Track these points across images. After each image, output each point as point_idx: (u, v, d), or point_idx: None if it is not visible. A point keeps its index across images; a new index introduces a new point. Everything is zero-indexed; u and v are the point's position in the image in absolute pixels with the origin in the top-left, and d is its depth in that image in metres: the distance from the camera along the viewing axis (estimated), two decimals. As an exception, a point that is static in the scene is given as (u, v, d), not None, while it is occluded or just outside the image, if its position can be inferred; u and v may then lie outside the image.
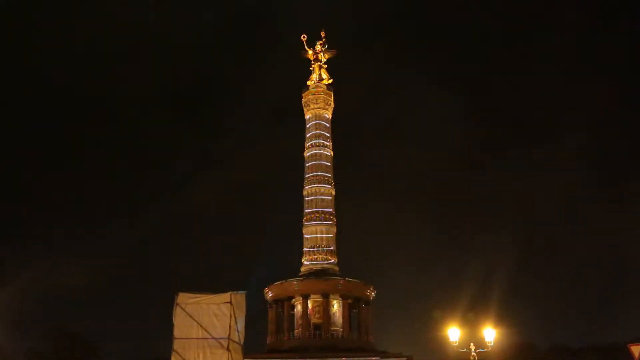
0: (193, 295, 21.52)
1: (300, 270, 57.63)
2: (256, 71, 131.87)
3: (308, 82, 64.67)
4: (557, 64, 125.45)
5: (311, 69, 65.25)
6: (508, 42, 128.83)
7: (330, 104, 63.86)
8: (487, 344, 24.75)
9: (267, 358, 53.08)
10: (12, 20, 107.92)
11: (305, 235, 58.44)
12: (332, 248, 58.15)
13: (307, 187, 59.74)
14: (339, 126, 65.44)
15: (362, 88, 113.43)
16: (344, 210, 62.40)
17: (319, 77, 64.58)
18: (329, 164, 61.19)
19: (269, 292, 56.83)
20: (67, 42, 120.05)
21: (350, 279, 55.77)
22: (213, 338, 20.69)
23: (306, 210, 59.01)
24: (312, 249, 57.58)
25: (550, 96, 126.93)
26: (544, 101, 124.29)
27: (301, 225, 59.03)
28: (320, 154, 60.95)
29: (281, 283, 56.15)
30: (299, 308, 55.50)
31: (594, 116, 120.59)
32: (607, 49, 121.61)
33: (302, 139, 62.86)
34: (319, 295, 54.48)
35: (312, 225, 58.01)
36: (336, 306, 55.37)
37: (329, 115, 63.49)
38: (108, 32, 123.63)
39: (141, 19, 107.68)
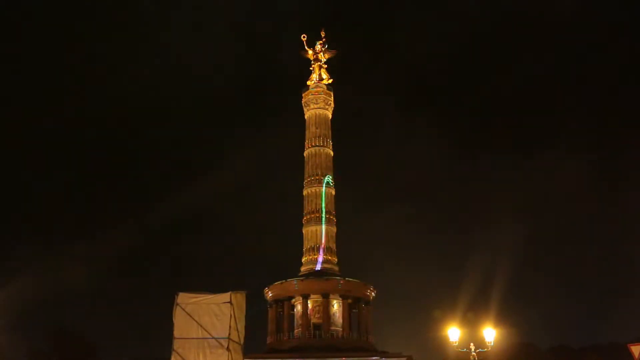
0: (193, 295, 21.53)
1: (300, 270, 57.62)
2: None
3: (308, 82, 64.58)
4: (557, 63, 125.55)
5: (311, 69, 65.22)
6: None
7: (330, 103, 63.81)
8: (487, 344, 24.74)
9: (267, 358, 53.05)
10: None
11: (305, 235, 58.42)
12: (332, 248, 58.13)
13: (307, 187, 59.74)
14: (339, 125, 65.46)
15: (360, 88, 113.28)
16: (344, 210, 62.42)
17: (319, 77, 64.51)
18: (329, 164, 61.17)
19: (269, 292, 56.79)
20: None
21: (350, 279, 55.68)
22: (213, 338, 20.70)
23: (306, 210, 59.01)
24: (312, 249, 57.55)
25: (552, 95, 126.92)
26: (545, 100, 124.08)
27: (301, 225, 59.06)
28: (320, 153, 60.92)
29: (281, 283, 56.09)
30: (299, 308, 55.49)
31: (595, 115, 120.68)
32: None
33: (302, 139, 62.93)
34: (319, 295, 54.42)
35: (312, 225, 57.99)
36: (336, 306, 55.36)
37: (329, 115, 63.48)
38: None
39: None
